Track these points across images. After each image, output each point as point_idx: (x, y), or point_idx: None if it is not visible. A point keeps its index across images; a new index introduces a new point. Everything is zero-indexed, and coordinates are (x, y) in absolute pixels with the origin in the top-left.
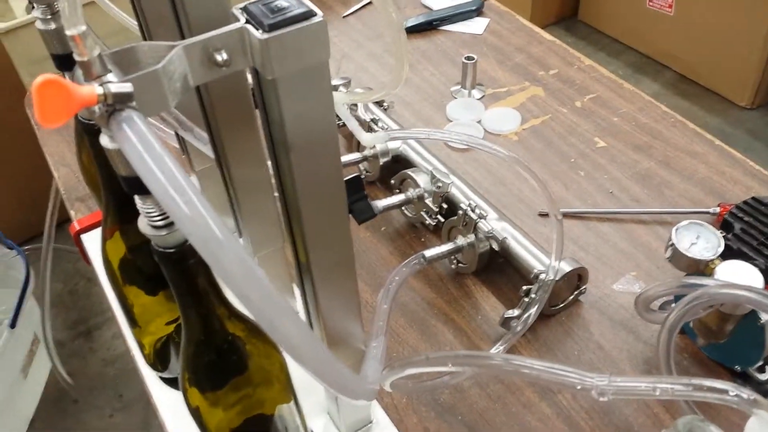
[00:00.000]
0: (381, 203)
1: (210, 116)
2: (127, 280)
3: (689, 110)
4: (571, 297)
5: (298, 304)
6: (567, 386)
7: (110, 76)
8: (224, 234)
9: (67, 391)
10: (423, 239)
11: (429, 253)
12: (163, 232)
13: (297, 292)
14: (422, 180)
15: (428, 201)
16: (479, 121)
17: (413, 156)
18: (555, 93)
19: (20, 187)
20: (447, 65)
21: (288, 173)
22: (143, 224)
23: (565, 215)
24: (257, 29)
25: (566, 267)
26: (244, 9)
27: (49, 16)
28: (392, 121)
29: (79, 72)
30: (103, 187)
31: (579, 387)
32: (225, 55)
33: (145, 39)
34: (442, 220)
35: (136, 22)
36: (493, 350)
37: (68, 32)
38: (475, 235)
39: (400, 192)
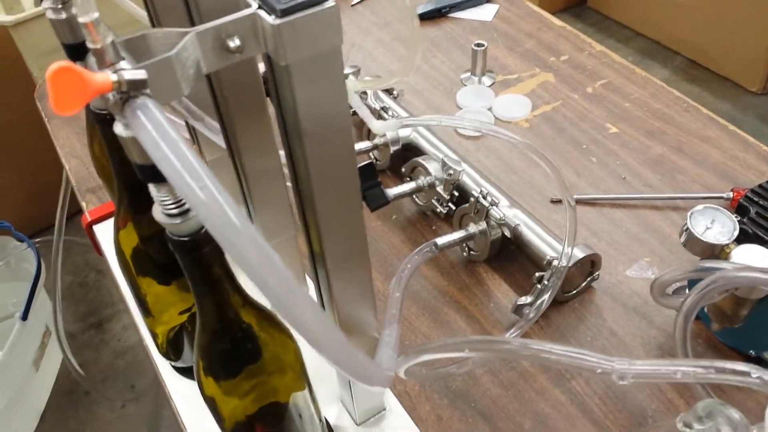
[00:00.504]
0: (392, 191)
1: (221, 105)
2: (140, 269)
3: (699, 96)
4: (584, 283)
5: (311, 294)
6: (586, 369)
7: (123, 64)
8: (241, 220)
9: (78, 383)
10: (434, 227)
11: (441, 240)
12: (178, 221)
13: (309, 282)
14: (433, 168)
15: (439, 189)
16: (490, 108)
17: (424, 144)
18: (566, 79)
19: (29, 180)
20: (457, 52)
21: (301, 160)
22: (157, 213)
23: (578, 201)
24: (269, 14)
25: (579, 253)
26: None
27: (60, 6)
28: (402, 109)
29: (91, 60)
30: (116, 177)
31: (599, 371)
32: (237, 42)
33: (152, 23)
34: (454, 207)
35: (145, 13)
36: (507, 336)
37: (81, 19)
38: (487, 222)
39: (411, 180)
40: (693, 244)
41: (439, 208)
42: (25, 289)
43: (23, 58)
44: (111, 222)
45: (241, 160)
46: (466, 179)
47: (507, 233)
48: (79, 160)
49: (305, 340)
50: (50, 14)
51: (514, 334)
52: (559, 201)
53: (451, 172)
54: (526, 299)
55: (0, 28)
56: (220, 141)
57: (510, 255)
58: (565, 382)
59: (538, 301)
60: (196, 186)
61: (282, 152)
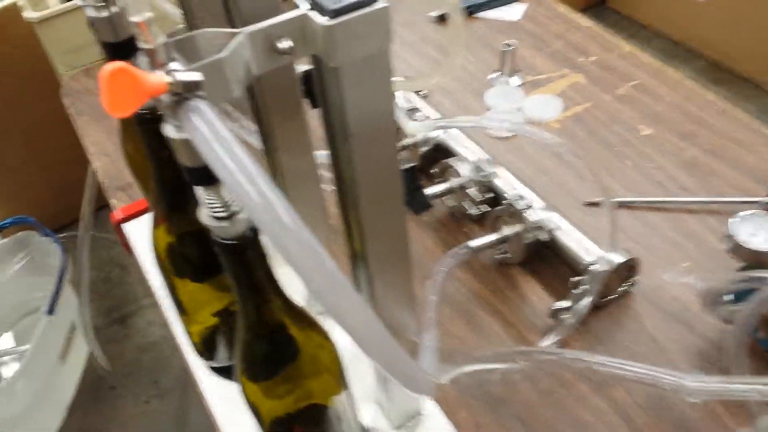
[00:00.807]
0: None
1: (259, 105)
2: (176, 267)
3: (723, 97)
4: (622, 288)
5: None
6: (657, 386)
7: (175, 65)
8: (297, 224)
9: (103, 378)
10: (465, 229)
11: (474, 243)
12: (225, 224)
13: None
14: (465, 169)
15: (471, 191)
16: (519, 109)
17: (454, 145)
18: (596, 80)
19: (53, 176)
20: (485, 52)
21: (347, 162)
22: (204, 215)
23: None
24: (321, 15)
25: (618, 258)
26: None
27: (101, 4)
28: (432, 110)
29: (142, 60)
30: (154, 175)
31: (668, 388)
32: (288, 43)
33: (189, 27)
34: (486, 209)
35: (178, 11)
36: (546, 343)
37: (134, 18)
38: (522, 225)
39: (442, 181)
40: (739, 251)
41: (471, 210)
42: (49, 284)
43: (48, 54)
44: (141, 220)
45: (277, 161)
46: (498, 181)
47: (543, 237)
48: (109, 158)
49: (356, 343)
50: (91, 12)
51: (553, 341)
52: (593, 204)
53: (484, 173)
54: (563, 304)
55: (25, 25)
56: (256, 142)
57: (544, 258)
58: (605, 390)
59: (576, 306)
60: (253, 189)
61: (317, 153)
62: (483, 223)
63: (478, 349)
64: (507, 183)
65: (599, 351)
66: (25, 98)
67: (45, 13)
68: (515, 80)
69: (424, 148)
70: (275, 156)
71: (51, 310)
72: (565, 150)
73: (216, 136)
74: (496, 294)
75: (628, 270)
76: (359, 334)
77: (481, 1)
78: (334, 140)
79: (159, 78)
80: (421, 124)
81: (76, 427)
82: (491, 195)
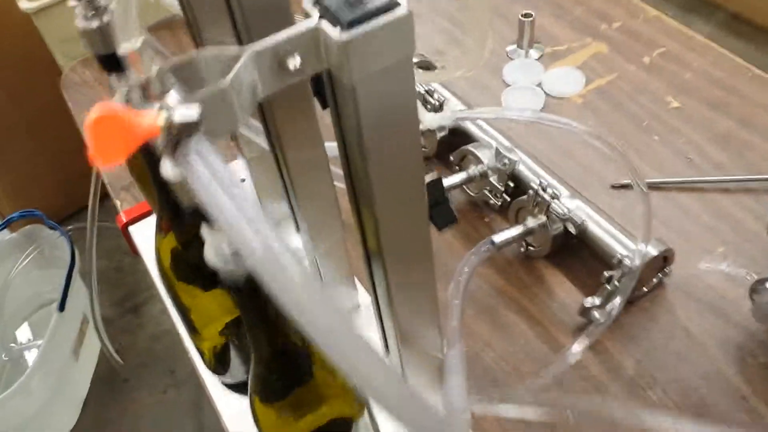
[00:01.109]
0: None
1: (264, 104)
2: (182, 275)
3: (745, 52)
4: (656, 281)
5: (363, 299)
6: None
7: (172, 96)
8: (302, 277)
9: (118, 370)
10: (487, 219)
11: (498, 238)
12: (233, 266)
13: (361, 290)
14: (485, 156)
15: (492, 179)
16: (539, 84)
17: (473, 129)
18: (620, 49)
19: (58, 166)
20: (500, 23)
21: (363, 178)
22: (210, 255)
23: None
24: (334, 27)
25: (653, 250)
26: (317, 2)
27: (91, 13)
28: (449, 93)
29: (135, 94)
30: (157, 196)
31: None
32: (298, 60)
33: (188, 21)
34: (509, 199)
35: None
36: (577, 345)
37: (123, 48)
38: (548, 216)
39: (461, 169)
40: None
41: (493, 200)
42: (59, 277)
43: (47, 44)
44: (147, 222)
45: (285, 156)
46: (521, 168)
47: (571, 229)
48: None
49: (370, 396)
50: (80, 23)
51: (585, 343)
52: (622, 186)
53: (506, 161)
54: (594, 301)
55: (23, 15)
56: (262, 142)
57: (571, 249)
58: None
59: (609, 305)
60: (258, 243)
61: (328, 145)
62: (505, 212)
63: (511, 372)
64: (530, 171)
65: (634, 350)
66: (27, 89)
67: (42, 2)
68: (534, 53)
69: (441, 134)
70: (283, 152)
71: (62, 307)
72: (593, 137)
73: (219, 182)
74: (521, 290)
75: (662, 261)
76: (376, 390)
77: None
78: (347, 154)
79: (151, 120)
80: (440, 117)
81: (92, 420)
82: (514, 184)
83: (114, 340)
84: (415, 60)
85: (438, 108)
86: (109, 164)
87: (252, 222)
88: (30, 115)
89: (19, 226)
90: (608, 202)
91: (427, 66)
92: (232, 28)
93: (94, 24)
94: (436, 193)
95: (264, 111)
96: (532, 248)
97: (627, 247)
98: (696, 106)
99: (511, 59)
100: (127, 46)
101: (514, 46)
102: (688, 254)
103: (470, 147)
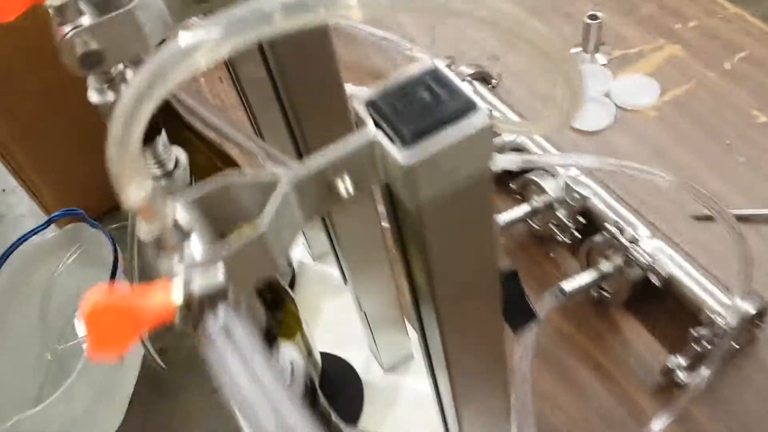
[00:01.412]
0: (502, 217)
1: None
2: None
3: None
4: (749, 335)
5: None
6: None
7: (194, 244)
8: None
9: (162, 373)
10: (552, 254)
11: (568, 286)
12: None
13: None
14: (551, 186)
15: (559, 213)
16: (608, 95)
17: (535, 149)
18: (697, 52)
19: (96, 164)
20: (559, 20)
21: (427, 295)
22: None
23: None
24: (393, 142)
25: (750, 308)
26: (371, 105)
27: (105, 85)
28: (504, 105)
29: (150, 248)
30: None
31: None
32: (349, 184)
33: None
34: (579, 236)
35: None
36: (660, 421)
37: (132, 201)
38: (625, 262)
39: (523, 199)
40: None
41: (560, 236)
42: (104, 275)
43: None
44: None
45: (345, 257)
46: (594, 202)
47: (654, 279)
48: None
49: None
50: (94, 97)
51: (672, 415)
52: (706, 218)
53: (577, 195)
54: (679, 361)
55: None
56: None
57: (653, 295)
58: None
59: (699, 369)
60: None
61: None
62: (574, 248)
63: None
64: (605, 204)
65: (724, 417)
66: (65, 88)
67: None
68: (601, 57)
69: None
70: (343, 253)
71: None
72: (689, 190)
73: (246, 370)
74: (593, 340)
75: (759, 316)
76: None
77: None
78: (409, 272)
79: (164, 302)
80: (507, 161)
81: (138, 422)
82: (584, 220)
83: (158, 340)
84: (469, 71)
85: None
86: (113, 355)
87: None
88: (69, 113)
89: (62, 224)
90: (691, 235)
91: (482, 77)
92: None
93: (111, 97)
94: (512, 290)
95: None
96: (606, 294)
97: (719, 300)
98: None
99: None
100: (135, 197)
101: (578, 49)
102: None
103: (533, 176)
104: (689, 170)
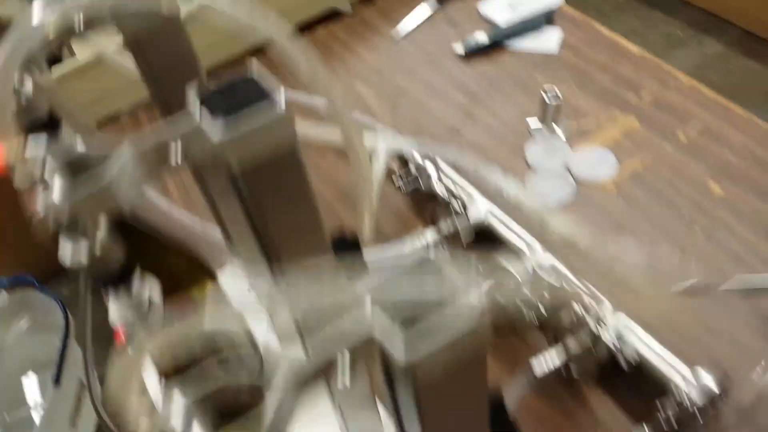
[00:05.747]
0: None
1: None
2: None
3: (760, 72)
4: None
5: None
6: None
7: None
8: None
9: None
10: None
11: (540, 368)
12: None
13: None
14: (518, 269)
15: (526, 294)
16: (567, 168)
17: (502, 230)
18: (653, 124)
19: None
20: (518, 93)
21: None
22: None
23: (688, 291)
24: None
25: (707, 380)
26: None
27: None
28: (473, 188)
29: None
30: None
31: None
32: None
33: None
34: (544, 316)
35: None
36: None
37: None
38: (592, 342)
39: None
40: None
41: (527, 318)
42: (54, 341)
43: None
44: None
45: None
46: (559, 285)
47: (621, 362)
48: None
49: None
50: (67, 258)
51: None
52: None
53: (541, 280)
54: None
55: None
56: None
57: (618, 368)
58: None
59: None
60: None
61: None
62: (542, 327)
63: None
64: (570, 286)
65: None
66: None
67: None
68: (559, 131)
69: (468, 239)
70: None
71: (57, 380)
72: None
73: None
74: (566, 417)
75: (724, 393)
76: None
77: (507, 32)
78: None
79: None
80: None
81: None
82: (550, 300)
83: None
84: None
85: (462, 210)
86: None
87: None
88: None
89: (13, 290)
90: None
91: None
92: None
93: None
94: (499, 420)
95: None
96: (574, 372)
97: (681, 372)
98: (740, 194)
99: (532, 136)
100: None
101: (535, 120)
102: (745, 368)
103: (501, 257)
104: (650, 244)
